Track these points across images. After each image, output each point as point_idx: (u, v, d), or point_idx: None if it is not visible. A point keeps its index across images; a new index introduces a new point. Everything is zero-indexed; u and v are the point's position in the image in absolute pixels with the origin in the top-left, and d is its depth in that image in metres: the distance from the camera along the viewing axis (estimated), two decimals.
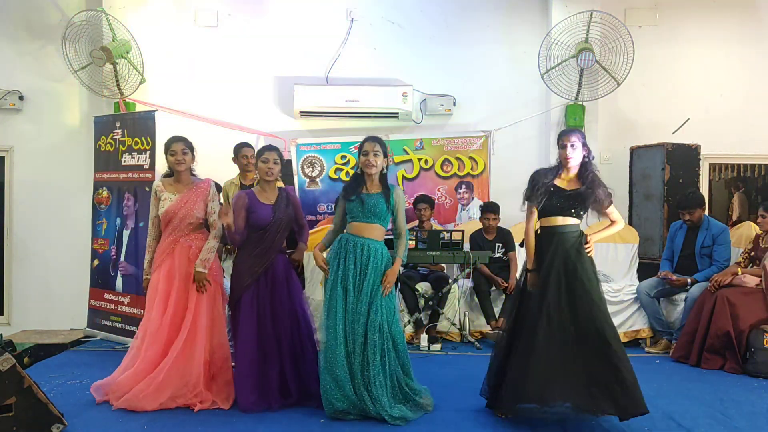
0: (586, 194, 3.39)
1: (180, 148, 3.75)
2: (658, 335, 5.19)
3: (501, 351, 3.47)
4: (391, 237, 3.66)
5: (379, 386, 3.33)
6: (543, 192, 3.39)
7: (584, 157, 3.45)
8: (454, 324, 5.29)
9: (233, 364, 3.70)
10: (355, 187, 3.54)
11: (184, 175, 3.80)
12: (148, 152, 5.25)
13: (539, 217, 3.48)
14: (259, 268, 3.60)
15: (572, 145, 3.41)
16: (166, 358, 3.55)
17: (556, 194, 3.40)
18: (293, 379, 3.59)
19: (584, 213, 3.46)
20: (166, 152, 3.79)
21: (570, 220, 3.42)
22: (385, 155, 3.55)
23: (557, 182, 3.44)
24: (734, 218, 6.97)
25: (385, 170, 3.58)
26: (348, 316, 3.41)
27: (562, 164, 3.46)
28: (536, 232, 3.52)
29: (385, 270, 3.47)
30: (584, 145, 3.45)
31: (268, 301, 3.61)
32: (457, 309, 5.30)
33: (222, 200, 5.23)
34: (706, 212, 5.28)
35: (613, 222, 3.59)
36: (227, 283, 4.70)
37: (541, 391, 3.21)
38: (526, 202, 3.50)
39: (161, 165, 5.20)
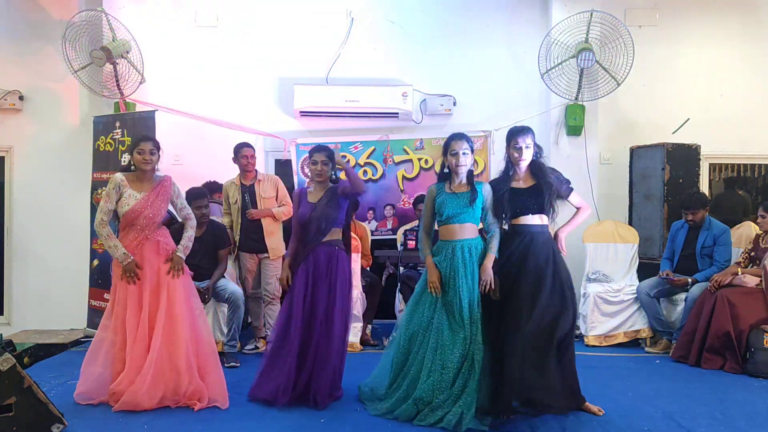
0: (543, 185, 3.43)
1: (149, 148, 3.73)
2: (658, 335, 5.19)
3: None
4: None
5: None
6: (506, 201, 3.43)
7: (534, 155, 3.49)
8: None
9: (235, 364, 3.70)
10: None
11: (148, 174, 3.78)
12: None
13: (509, 219, 3.51)
14: (300, 261, 3.67)
15: (527, 147, 3.44)
16: (150, 352, 3.54)
17: (516, 195, 3.43)
18: (307, 375, 3.58)
19: (550, 207, 3.46)
20: (133, 149, 3.76)
21: (537, 219, 3.45)
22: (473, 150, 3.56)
23: (513, 185, 3.48)
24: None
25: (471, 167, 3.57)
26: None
27: (513, 164, 3.49)
28: (506, 230, 3.55)
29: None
30: (535, 144, 3.49)
31: (307, 294, 3.62)
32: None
33: (222, 200, 5.24)
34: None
35: (577, 209, 3.61)
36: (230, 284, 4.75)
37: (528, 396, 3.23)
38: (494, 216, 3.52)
39: (161, 165, 5.22)
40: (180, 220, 4.03)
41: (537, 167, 3.49)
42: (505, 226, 3.56)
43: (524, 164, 3.48)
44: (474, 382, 3.31)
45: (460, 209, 3.46)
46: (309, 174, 3.88)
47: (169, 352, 3.58)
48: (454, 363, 3.34)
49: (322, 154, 3.71)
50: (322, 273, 3.64)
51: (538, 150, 3.51)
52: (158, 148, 3.80)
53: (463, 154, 3.47)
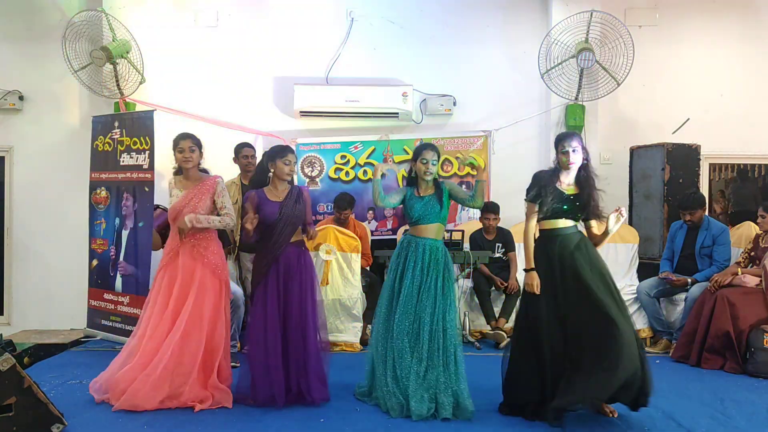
0: (586, 197, 3.45)
1: (188, 145, 3.79)
2: (658, 335, 5.19)
3: (522, 356, 3.47)
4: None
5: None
6: (550, 194, 3.43)
7: (583, 159, 3.48)
8: None
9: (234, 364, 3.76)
10: None
11: (192, 172, 3.84)
12: (147, 152, 5.24)
13: (539, 220, 3.51)
14: (270, 261, 3.70)
15: (574, 150, 3.45)
16: (160, 352, 3.55)
17: (560, 197, 3.44)
18: (295, 372, 3.63)
19: (583, 216, 3.50)
20: (174, 149, 3.81)
21: (570, 223, 3.47)
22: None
23: (558, 186, 3.48)
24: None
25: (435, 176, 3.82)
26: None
27: (562, 168, 3.49)
28: (535, 236, 3.54)
29: (445, 267, 3.67)
30: (583, 148, 3.49)
31: (280, 293, 3.69)
32: (457, 309, 5.29)
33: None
34: (706, 212, 5.28)
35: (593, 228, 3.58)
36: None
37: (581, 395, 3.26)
38: (529, 202, 3.51)
39: (160, 165, 5.21)
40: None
41: (584, 178, 3.49)
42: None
43: (574, 167, 3.48)
44: (457, 373, 3.50)
45: (428, 211, 3.70)
46: (275, 171, 3.83)
47: (181, 354, 3.56)
48: (407, 351, 3.53)
49: (293, 156, 3.85)
50: (293, 272, 3.73)
51: (586, 155, 3.51)
52: (199, 145, 3.85)
53: (432, 163, 3.71)
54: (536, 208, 3.48)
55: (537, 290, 3.40)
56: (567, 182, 3.50)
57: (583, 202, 3.44)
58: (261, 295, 3.69)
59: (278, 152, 3.81)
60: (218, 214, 3.82)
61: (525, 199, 3.56)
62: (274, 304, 3.66)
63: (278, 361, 3.59)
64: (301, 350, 3.65)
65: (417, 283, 3.61)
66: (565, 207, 3.43)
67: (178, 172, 3.89)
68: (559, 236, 3.45)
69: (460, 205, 5.98)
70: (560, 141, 3.51)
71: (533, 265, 3.46)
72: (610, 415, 3.43)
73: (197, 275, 3.69)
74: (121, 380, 3.53)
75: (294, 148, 5.88)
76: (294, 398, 3.62)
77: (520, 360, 3.46)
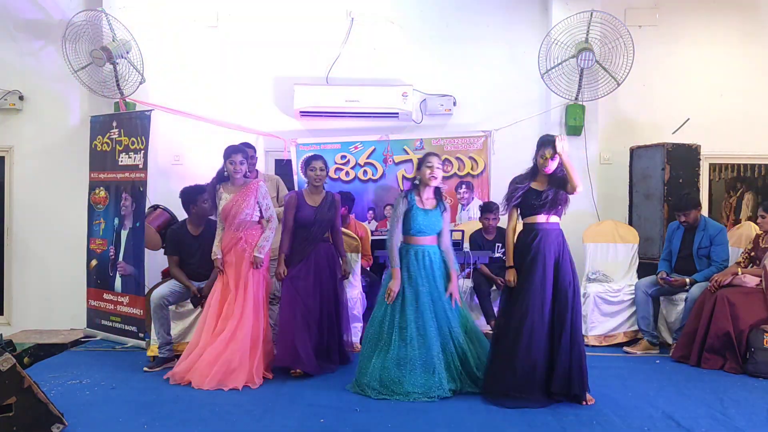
0: (555, 191, 3.70)
1: (238, 159, 4.23)
2: (640, 333, 5.17)
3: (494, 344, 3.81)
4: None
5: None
6: (519, 195, 3.73)
7: (560, 166, 3.72)
8: None
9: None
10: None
11: (239, 180, 4.30)
12: (142, 152, 5.25)
13: (523, 217, 3.82)
14: (302, 256, 4.30)
15: (552, 158, 3.69)
16: (220, 338, 4.04)
17: (532, 195, 3.72)
18: (334, 347, 4.33)
19: (561, 208, 3.74)
20: (225, 159, 4.26)
21: (547, 218, 3.72)
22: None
23: (533, 185, 3.76)
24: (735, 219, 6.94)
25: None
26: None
27: (539, 171, 3.77)
28: (521, 231, 3.85)
29: (445, 269, 3.98)
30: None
31: (312, 281, 4.26)
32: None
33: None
34: (706, 213, 5.28)
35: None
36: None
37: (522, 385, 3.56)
38: (505, 204, 3.83)
39: (154, 165, 5.23)
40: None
41: (557, 176, 3.72)
42: (520, 223, 3.86)
43: (549, 172, 3.74)
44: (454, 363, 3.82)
45: (429, 225, 3.93)
46: (306, 178, 4.41)
47: (233, 339, 4.03)
48: (416, 358, 3.78)
49: (320, 162, 4.36)
50: (324, 265, 4.34)
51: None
52: (247, 156, 4.30)
53: (437, 168, 3.91)
54: (513, 210, 3.82)
55: (514, 284, 3.74)
56: (542, 181, 3.77)
57: (554, 194, 3.67)
58: (291, 283, 4.23)
59: (306, 161, 4.41)
60: (261, 215, 4.30)
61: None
62: (309, 291, 4.23)
63: (314, 335, 4.21)
64: (338, 324, 4.35)
65: (426, 291, 3.87)
66: (535, 203, 3.68)
67: (224, 179, 4.31)
68: (538, 230, 3.71)
69: (460, 205, 6.05)
70: (542, 145, 3.74)
71: (512, 263, 3.78)
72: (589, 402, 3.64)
73: (243, 271, 4.18)
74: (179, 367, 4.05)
75: (294, 148, 5.95)
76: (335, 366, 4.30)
77: (499, 349, 3.71)
